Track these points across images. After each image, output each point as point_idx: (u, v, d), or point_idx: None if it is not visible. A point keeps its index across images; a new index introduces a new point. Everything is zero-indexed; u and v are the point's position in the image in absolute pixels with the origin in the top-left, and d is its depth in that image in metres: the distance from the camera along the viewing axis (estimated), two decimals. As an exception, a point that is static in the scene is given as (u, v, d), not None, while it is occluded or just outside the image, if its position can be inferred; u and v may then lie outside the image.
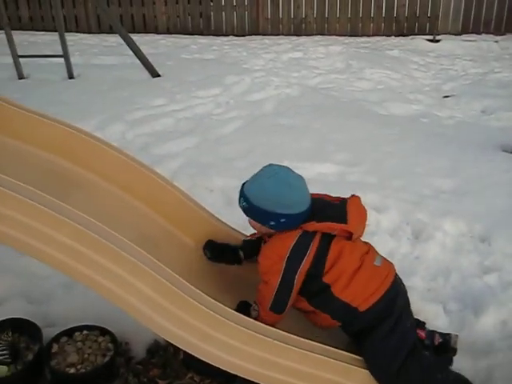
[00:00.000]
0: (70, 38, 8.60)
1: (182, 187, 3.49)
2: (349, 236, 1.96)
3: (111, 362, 2.13)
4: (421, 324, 2.22)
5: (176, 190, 2.36)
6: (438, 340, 2.16)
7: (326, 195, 2.09)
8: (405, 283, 2.62)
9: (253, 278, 2.11)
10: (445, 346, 2.15)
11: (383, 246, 2.98)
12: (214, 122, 5.05)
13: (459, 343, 2.16)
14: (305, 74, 7.06)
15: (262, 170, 1.99)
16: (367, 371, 1.90)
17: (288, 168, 1.99)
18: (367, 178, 3.72)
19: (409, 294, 2.27)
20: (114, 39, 8.66)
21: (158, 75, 6.63)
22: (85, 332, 2.25)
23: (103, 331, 2.25)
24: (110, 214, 2.17)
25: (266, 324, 1.90)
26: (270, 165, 1.99)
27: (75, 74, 6.51)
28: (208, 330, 1.77)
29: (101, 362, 2.12)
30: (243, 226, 3.11)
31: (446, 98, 6.19)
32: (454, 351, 2.15)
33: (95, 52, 8.44)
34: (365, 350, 1.96)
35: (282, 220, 1.91)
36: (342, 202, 2.00)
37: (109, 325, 2.27)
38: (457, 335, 2.17)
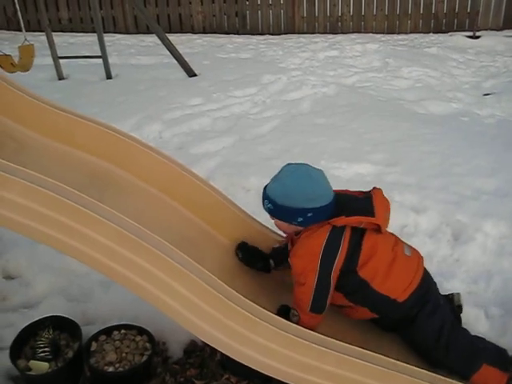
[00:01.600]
0: (108, 38, 8.73)
1: (219, 187, 3.50)
2: (377, 228, 1.97)
3: (149, 362, 2.15)
4: None
5: (213, 190, 2.36)
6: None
7: (347, 190, 2.09)
8: (445, 286, 2.60)
9: (291, 281, 2.09)
10: (450, 305, 2.18)
11: (422, 247, 2.89)
12: (250, 121, 5.04)
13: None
14: (341, 73, 6.99)
15: (281, 170, 2.00)
16: (405, 376, 1.86)
17: (306, 164, 2.00)
18: (405, 179, 3.66)
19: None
20: (151, 39, 8.74)
21: (195, 75, 6.67)
22: (123, 331, 2.26)
23: (141, 331, 2.26)
24: (148, 215, 2.19)
25: (309, 327, 1.89)
26: (289, 164, 2.00)
27: (113, 74, 6.60)
28: (246, 332, 1.77)
29: (138, 361, 2.13)
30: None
31: (486, 96, 6.04)
32: (459, 308, 2.20)
33: (132, 52, 8.54)
34: (411, 335, 2.01)
35: (309, 214, 1.91)
36: (367, 195, 2.01)
37: (146, 324, 2.28)
38: (459, 293, 2.24)
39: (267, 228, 2.42)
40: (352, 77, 6.84)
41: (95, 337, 2.22)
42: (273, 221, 2.07)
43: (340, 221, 1.92)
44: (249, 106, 5.51)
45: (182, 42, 9.06)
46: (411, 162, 3.96)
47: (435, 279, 2.71)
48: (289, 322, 1.82)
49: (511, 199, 3.39)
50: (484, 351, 2.03)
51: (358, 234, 1.96)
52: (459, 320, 2.18)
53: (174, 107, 5.29)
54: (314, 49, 8.65)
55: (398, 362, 1.88)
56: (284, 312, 2.01)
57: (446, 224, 3.15)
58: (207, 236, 2.34)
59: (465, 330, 2.11)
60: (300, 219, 1.93)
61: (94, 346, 2.18)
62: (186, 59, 6.72)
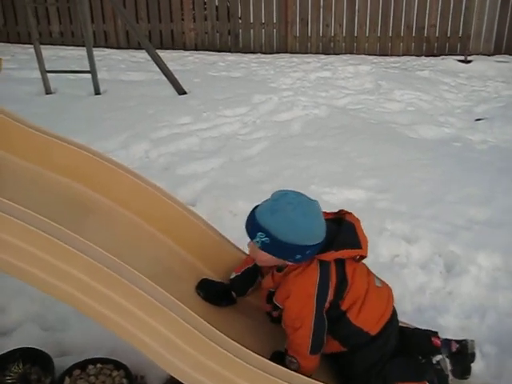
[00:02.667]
0: (99, 52, 8.65)
1: (206, 209, 3.44)
2: (358, 258, 1.92)
3: (125, 399, 2.03)
4: (433, 333, 2.14)
5: (197, 218, 2.25)
6: (454, 346, 2.07)
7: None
8: (438, 320, 2.52)
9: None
10: (462, 352, 2.06)
11: (414, 279, 2.87)
12: (240, 142, 4.95)
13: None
14: (333, 94, 6.94)
15: (276, 200, 1.83)
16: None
17: (300, 193, 1.87)
18: (397, 206, 3.59)
19: (441, 333, 2.18)
20: (143, 55, 8.64)
21: (185, 92, 6.59)
22: (98, 365, 2.14)
23: (118, 365, 2.14)
24: (129, 245, 2.08)
25: (310, 371, 1.83)
26: (284, 194, 1.84)
27: (102, 89, 6.50)
28: (230, 375, 1.66)
29: (114, 398, 2.01)
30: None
31: (478, 121, 6.00)
32: (472, 356, 2.08)
33: (123, 68, 8.44)
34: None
35: (308, 252, 1.80)
36: (348, 225, 1.92)
37: (124, 356, 2.17)
38: (473, 340, 2.10)
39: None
40: (344, 98, 6.79)
41: (69, 371, 2.10)
42: (251, 249, 1.92)
43: (329, 256, 1.84)
44: (238, 127, 5.42)
45: (174, 58, 8.99)
46: (403, 188, 3.89)
47: (428, 313, 2.66)
48: (276, 365, 1.70)
49: (505, 229, 3.32)
50: (392, 370, 1.94)
51: (341, 264, 1.88)
52: (468, 370, 2.06)
53: (162, 126, 5.19)
54: (306, 69, 8.62)
55: None
56: (277, 358, 1.87)
57: (438, 255, 3.08)
58: (192, 268, 2.22)
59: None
60: (298, 256, 1.80)
61: (67, 381, 2.06)
62: (177, 76, 6.63)
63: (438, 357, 2.06)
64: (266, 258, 1.88)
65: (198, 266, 2.23)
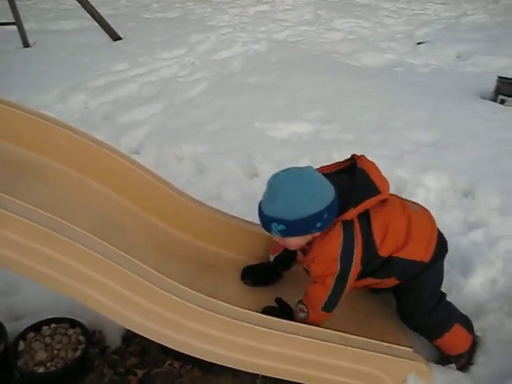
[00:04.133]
0: (24, 2, 8.20)
1: (151, 157, 3.36)
2: (382, 200, 1.84)
3: (83, 356, 1.98)
4: None
5: (138, 166, 2.16)
6: None
7: (326, 167, 1.93)
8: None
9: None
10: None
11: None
12: (179, 84, 4.82)
13: None
14: (272, 28, 6.81)
15: (270, 186, 1.77)
16: (354, 349, 1.78)
17: (290, 168, 1.79)
18: (343, 136, 3.57)
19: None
20: (71, 1, 8.23)
21: (119, 38, 6.35)
22: (53, 325, 2.08)
23: (73, 323, 2.09)
24: (70, 202, 1.99)
25: (315, 324, 1.82)
26: (274, 176, 1.78)
27: (31, 41, 6.18)
28: (181, 319, 1.64)
29: (72, 357, 1.96)
30: (216, 196, 2.98)
31: (419, 45, 6.01)
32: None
33: (51, 17, 8.04)
34: (410, 290, 1.95)
35: (325, 216, 1.73)
36: (360, 172, 1.82)
37: (80, 315, 2.12)
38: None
39: (200, 202, 2.26)
40: (284, 31, 6.68)
41: (23, 335, 2.03)
42: (277, 240, 1.87)
43: (350, 214, 1.77)
44: (177, 69, 5.28)
45: (105, 2, 8.62)
46: (348, 117, 3.88)
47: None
48: (227, 305, 1.69)
49: (450, 151, 3.37)
50: (455, 312, 2.02)
51: (365, 217, 1.82)
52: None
53: (98, 74, 5.00)
54: (244, 4, 8.41)
55: (348, 335, 1.79)
56: (270, 313, 1.84)
57: (387, 180, 3.09)
58: (137, 217, 2.16)
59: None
60: (318, 224, 1.74)
61: (21, 345, 1.99)
62: (110, 22, 6.38)
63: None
64: (294, 242, 1.84)
65: (144, 216, 2.17)
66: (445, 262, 2.45)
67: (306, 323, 1.82)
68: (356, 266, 1.81)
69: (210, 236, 2.26)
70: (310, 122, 3.79)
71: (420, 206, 2.00)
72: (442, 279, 2.00)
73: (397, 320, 2.03)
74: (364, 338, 1.82)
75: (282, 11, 7.89)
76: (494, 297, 2.28)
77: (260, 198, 1.80)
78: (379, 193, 1.79)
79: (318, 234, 1.79)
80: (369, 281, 1.94)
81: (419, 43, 6.07)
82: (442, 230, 2.66)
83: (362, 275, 1.87)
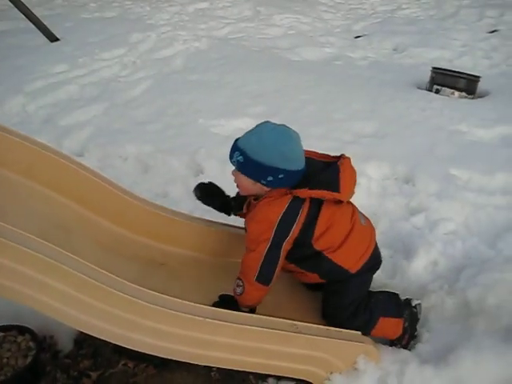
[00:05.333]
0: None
1: (95, 158, 3.32)
2: (338, 201, 1.88)
3: (34, 363, 1.96)
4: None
5: (81, 167, 2.14)
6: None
7: (314, 152, 1.96)
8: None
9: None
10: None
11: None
12: (121, 84, 4.78)
13: None
14: (213, 25, 6.82)
15: (257, 126, 1.83)
16: (305, 335, 1.83)
17: (283, 124, 1.84)
18: (286, 129, 3.62)
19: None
20: (4, 1, 8.00)
21: (57, 39, 6.19)
22: (1, 334, 2.05)
23: (22, 330, 2.06)
24: (13, 206, 1.95)
25: (253, 300, 1.87)
26: (265, 121, 1.84)
27: (-39, 45, 5.97)
28: (133, 317, 1.63)
29: (22, 364, 1.94)
30: (162, 194, 2.98)
31: (357, 39, 6.14)
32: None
33: (-18, 18, 7.77)
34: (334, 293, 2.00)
35: (281, 176, 1.78)
36: (334, 166, 1.86)
37: (30, 319, 2.08)
38: (420, 304, 2.19)
39: (145, 200, 2.26)
40: (224, 28, 6.71)
41: (-31, 345, 1.99)
42: (234, 177, 1.90)
43: (303, 193, 1.82)
44: (118, 69, 5.22)
45: (40, 3, 8.39)
46: (290, 111, 3.94)
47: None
48: (179, 300, 1.70)
49: (390, 140, 3.46)
50: (378, 304, 2.05)
51: (316, 205, 1.86)
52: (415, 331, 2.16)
53: (35, 77, 4.88)
54: (183, 2, 8.36)
55: (298, 323, 1.84)
56: (224, 302, 1.90)
57: (329, 172, 3.15)
58: (83, 219, 2.14)
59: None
60: (270, 178, 1.79)
61: (-32, 355, 1.96)
62: (46, 22, 6.20)
63: (417, 301, 2.16)
64: (245, 184, 1.87)
65: (89, 216, 2.15)
66: (389, 248, 2.56)
67: (246, 300, 1.86)
68: (288, 243, 1.85)
69: (157, 233, 2.26)
70: (253, 117, 3.82)
71: (368, 221, 2.06)
72: (366, 291, 2.06)
73: None
74: (314, 325, 1.87)
75: (222, 8, 7.90)
76: (436, 278, 2.37)
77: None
78: (338, 192, 1.83)
79: (266, 189, 1.85)
80: (292, 267, 1.98)
81: (357, 37, 6.20)
82: (384, 217, 2.78)
83: (289, 258, 1.91)
